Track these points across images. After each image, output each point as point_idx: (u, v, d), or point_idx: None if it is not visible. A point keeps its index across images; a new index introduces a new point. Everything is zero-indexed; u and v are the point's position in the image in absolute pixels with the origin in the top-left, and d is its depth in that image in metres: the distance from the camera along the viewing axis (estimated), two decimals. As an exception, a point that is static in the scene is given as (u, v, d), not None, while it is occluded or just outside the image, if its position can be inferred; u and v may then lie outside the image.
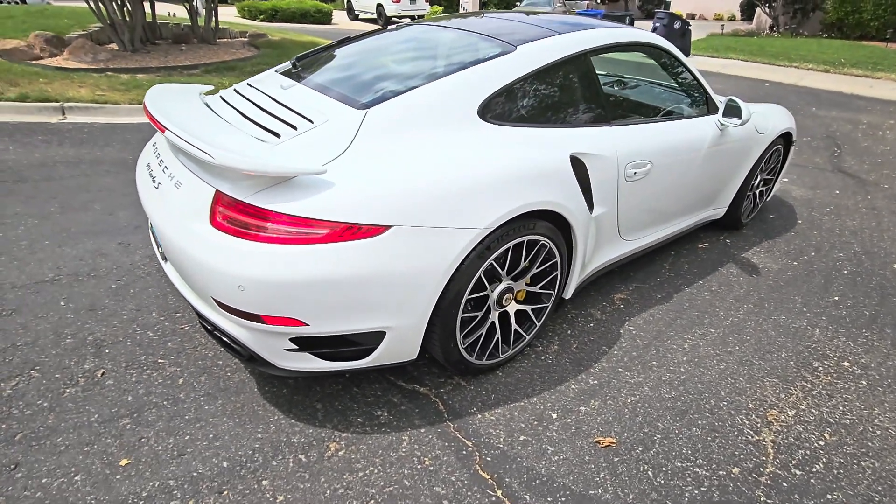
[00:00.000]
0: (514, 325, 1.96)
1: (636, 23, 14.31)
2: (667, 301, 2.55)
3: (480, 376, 1.97)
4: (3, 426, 1.62)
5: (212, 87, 2.13)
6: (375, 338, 1.55)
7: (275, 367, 1.55)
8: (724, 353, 2.19)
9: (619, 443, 1.72)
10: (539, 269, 1.93)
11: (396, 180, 1.48)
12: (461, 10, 17.04)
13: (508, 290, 1.85)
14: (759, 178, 3.22)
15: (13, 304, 2.18)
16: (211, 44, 8.07)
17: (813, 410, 1.92)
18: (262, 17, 16.50)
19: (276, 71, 2.16)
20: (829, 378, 2.09)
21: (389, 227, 1.43)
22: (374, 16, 17.58)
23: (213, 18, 8.25)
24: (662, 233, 2.64)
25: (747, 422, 1.84)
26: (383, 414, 1.77)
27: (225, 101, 1.86)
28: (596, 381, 1.99)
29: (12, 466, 1.49)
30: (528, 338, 2.03)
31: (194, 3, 7.91)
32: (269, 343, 1.49)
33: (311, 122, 1.62)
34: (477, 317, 1.80)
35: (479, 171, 1.59)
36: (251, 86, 1.96)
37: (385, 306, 1.49)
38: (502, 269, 1.77)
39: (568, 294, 2.13)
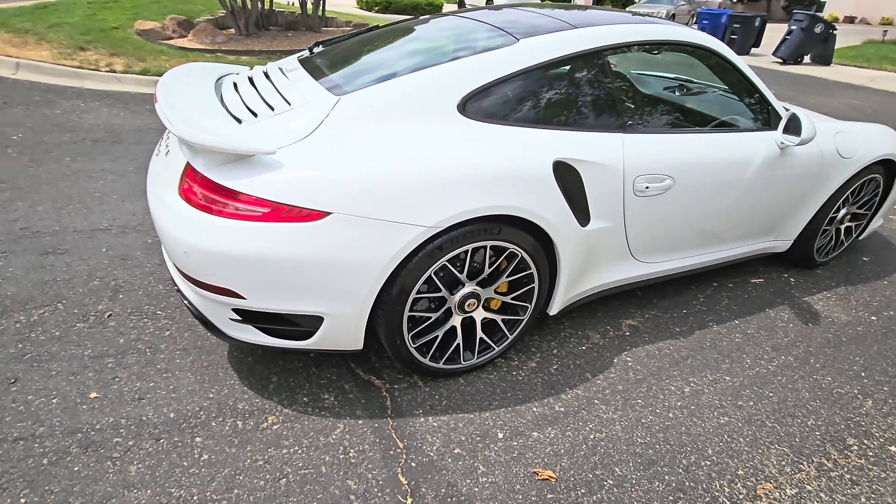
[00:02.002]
0: (479, 334, 1.86)
1: (768, 25, 12.74)
2: (684, 337, 2.26)
3: (441, 379, 1.91)
4: (20, 345, 1.90)
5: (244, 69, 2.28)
6: (314, 321, 1.57)
7: (223, 335, 1.64)
8: (731, 406, 1.89)
9: (560, 479, 1.56)
10: (510, 279, 1.81)
11: (347, 168, 1.47)
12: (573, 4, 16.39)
13: (473, 295, 1.76)
14: (844, 212, 2.71)
15: (68, 245, 2.54)
16: (315, 31, 8.64)
17: (823, 496, 1.59)
18: (377, 8, 17.31)
19: (297, 57, 2.25)
20: (862, 461, 1.71)
21: (329, 213, 1.43)
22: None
23: (321, 8, 8.81)
24: (694, 259, 2.34)
25: (728, 490, 1.58)
26: (329, 398, 1.79)
27: (234, 82, 1.98)
28: (562, 409, 1.83)
29: (12, 380, 1.75)
30: (497, 349, 1.93)
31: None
32: (215, 310, 1.58)
33: (289, 104, 1.66)
34: (432, 318, 1.74)
35: (438, 167, 1.52)
36: (264, 70, 2.06)
37: (321, 292, 1.50)
38: (461, 273, 1.69)
39: (552, 310, 1.98)
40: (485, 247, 1.66)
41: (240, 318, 1.57)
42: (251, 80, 1.91)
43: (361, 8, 17.90)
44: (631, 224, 1.99)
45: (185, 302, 1.67)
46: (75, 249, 2.51)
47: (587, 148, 1.78)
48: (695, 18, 15.33)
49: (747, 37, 11.81)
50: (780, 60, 11.00)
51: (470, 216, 1.54)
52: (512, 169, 1.61)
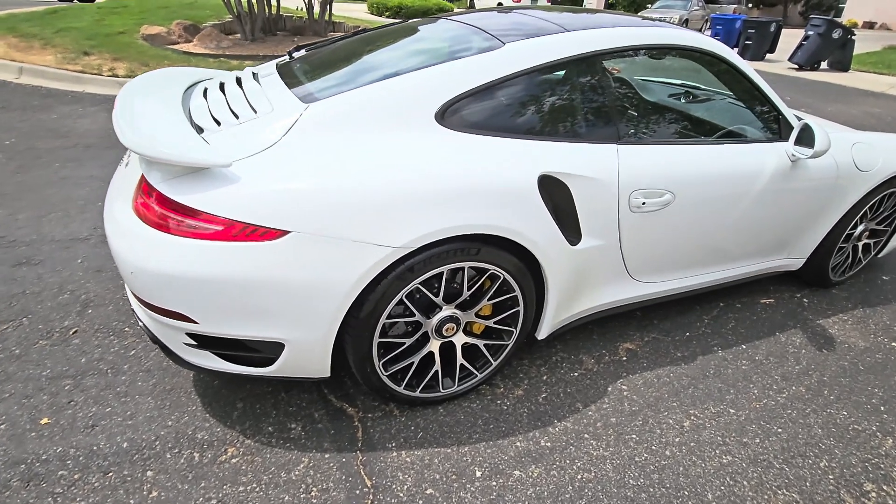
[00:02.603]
0: (459, 360, 1.72)
1: (785, 31, 12.48)
2: (686, 363, 2.10)
3: (419, 408, 1.77)
4: (-23, 364, 1.81)
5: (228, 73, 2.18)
6: (274, 348, 1.44)
7: (181, 360, 1.52)
8: (735, 443, 1.73)
9: (541, 527, 1.42)
10: (493, 302, 1.67)
11: (309, 182, 1.35)
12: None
13: (452, 319, 1.62)
14: (861, 228, 2.53)
15: (43, 256, 2.46)
16: (322, 36, 8.60)
17: (837, 550, 1.42)
18: (387, 13, 17.30)
19: (276, 62, 2.14)
20: (881, 510, 1.54)
21: (287, 232, 1.31)
22: (496, 15, 17.50)
23: (328, 12, 8.78)
24: (699, 279, 2.18)
25: (729, 542, 1.42)
26: (297, 428, 1.67)
27: (206, 88, 1.88)
28: (549, 444, 1.68)
29: (-38, 403, 1.65)
30: (479, 376, 1.79)
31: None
32: (169, 335, 1.46)
33: (255, 113, 1.55)
34: (406, 343, 1.61)
35: (409, 182, 1.39)
36: (238, 76, 1.95)
37: (280, 317, 1.38)
38: (436, 297, 1.55)
39: (541, 335, 1.84)
40: (462, 268, 1.53)
41: (195, 343, 1.45)
42: (222, 87, 1.80)
43: (372, 13, 17.92)
44: (627, 242, 1.84)
45: (140, 325, 1.55)
46: (50, 260, 2.43)
47: (577, 161, 1.64)
48: (708, 24, 15.09)
49: (762, 42, 11.55)
50: (797, 66, 10.72)
51: (443, 236, 1.41)
52: (491, 184, 1.47)
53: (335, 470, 1.53)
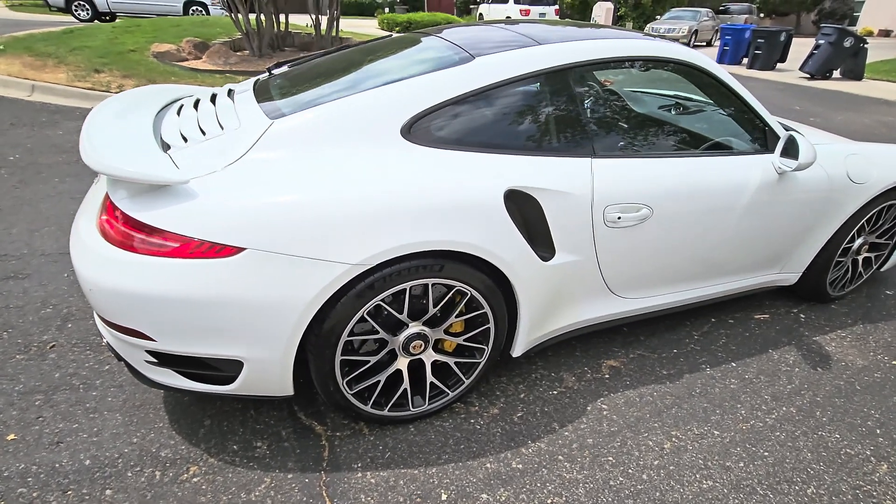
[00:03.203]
0: (429, 378, 1.68)
1: (798, 40, 12.35)
2: (671, 381, 2.03)
3: (389, 427, 1.73)
4: (-47, 379, 1.82)
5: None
6: (233, 366, 1.42)
7: (145, 378, 1.51)
8: (717, 467, 1.65)
9: (505, 554, 1.36)
10: (462, 319, 1.63)
11: (265, 199, 1.34)
12: (592, 22, 16.26)
13: (420, 336, 1.59)
14: (860, 242, 2.44)
15: (31, 270, 2.49)
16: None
17: (820, 585, 1.34)
18: (397, 28, 17.55)
19: (256, 78, 2.16)
20: (871, 542, 1.45)
21: (243, 249, 1.30)
22: (504, 28, 17.64)
23: (335, 28, 8.91)
24: (685, 294, 2.12)
25: (703, 574, 1.35)
26: (262, 447, 1.64)
27: (182, 105, 1.89)
28: (520, 466, 1.62)
29: (-67, 418, 1.66)
30: (451, 394, 1.74)
31: (317, 15, 8.61)
32: (130, 351, 1.45)
33: (222, 129, 1.55)
34: (371, 361, 1.57)
35: (367, 198, 1.37)
36: (214, 92, 1.97)
37: (238, 335, 1.36)
38: (401, 314, 1.52)
39: (515, 352, 1.79)
40: (425, 285, 1.50)
41: (156, 361, 1.44)
42: (196, 104, 1.81)
43: (382, 28, 18.20)
44: (605, 257, 1.79)
45: (104, 342, 1.55)
46: (37, 274, 2.45)
47: (548, 175, 1.61)
48: (718, 35, 14.99)
49: (772, 52, 11.44)
50: (808, 76, 10.59)
51: (402, 252, 1.38)
52: (454, 199, 1.44)
53: (297, 491, 1.50)
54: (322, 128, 1.50)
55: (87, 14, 14.44)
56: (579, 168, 1.67)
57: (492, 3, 18.46)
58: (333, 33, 8.95)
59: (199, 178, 1.37)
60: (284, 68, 2.19)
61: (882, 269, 2.71)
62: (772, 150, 2.01)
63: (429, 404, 1.72)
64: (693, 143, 2.05)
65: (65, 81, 5.99)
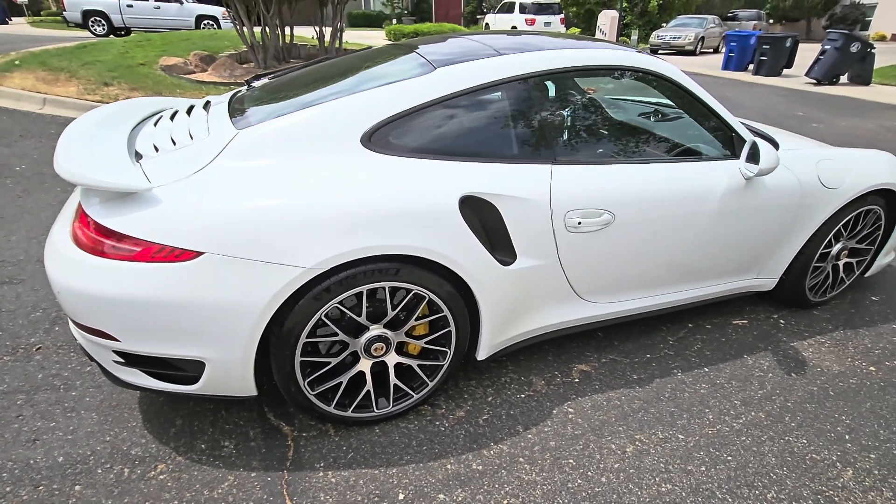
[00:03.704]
0: (392, 380, 1.72)
1: (808, 45, 12.26)
2: (641, 386, 2.04)
3: (355, 428, 1.77)
4: (-58, 379, 1.90)
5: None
6: (196, 366, 1.48)
7: (114, 378, 1.57)
8: (677, 471, 1.66)
9: (455, 553, 1.39)
10: (421, 322, 1.67)
11: (226, 205, 1.40)
12: (598, 33, 16.34)
13: (381, 339, 1.63)
14: (839, 247, 2.43)
15: (26, 275, 2.58)
16: (332, 62, 8.90)
17: (771, 588, 1.34)
18: (404, 39, 17.79)
19: (237, 90, 2.23)
20: (827, 547, 1.45)
21: (201, 253, 1.35)
22: (510, 38, 17.79)
23: (339, 40, 9.09)
24: (657, 299, 2.13)
25: (653, 576, 1.35)
26: (229, 446, 1.69)
27: (161, 117, 1.97)
28: (480, 467, 1.65)
29: (-80, 416, 1.74)
30: (415, 397, 1.78)
31: (321, 27, 8.80)
32: (99, 351, 1.52)
33: (192, 139, 1.62)
34: (332, 363, 1.62)
35: (322, 204, 1.43)
36: (191, 104, 2.04)
37: (198, 336, 1.41)
38: (359, 316, 1.57)
39: (480, 356, 1.82)
40: (381, 288, 1.54)
41: (123, 361, 1.50)
42: (173, 116, 1.89)
43: (390, 39, 18.45)
44: (568, 262, 1.82)
45: (78, 343, 1.62)
46: (31, 279, 2.55)
47: (505, 181, 1.65)
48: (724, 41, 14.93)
49: (778, 58, 11.37)
50: (814, 81, 10.49)
51: (356, 256, 1.43)
52: (408, 205, 1.49)
53: (258, 489, 1.54)
54: (286, 137, 1.56)
55: (103, 29, 14.91)
56: (538, 174, 1.71)
57: (498, 13, 18.63)
58: (337, 45, 9.12)
59: (164, 186, 1.43)
60: (264, 80, 2.27)
61: (866, 275, 2.69)
62: (739, 156, 2.03)
63: (393, 406, 1.76)
64: (658, 150, 2.07)
65: (75, 94, 6.19)
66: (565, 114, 1.89)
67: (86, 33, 14.78)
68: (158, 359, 1.47)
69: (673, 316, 2.49)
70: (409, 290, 1.58)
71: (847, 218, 2.31)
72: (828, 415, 1.92)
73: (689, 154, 2.07)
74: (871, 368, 2.18)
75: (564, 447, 1.74)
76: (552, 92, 1.96)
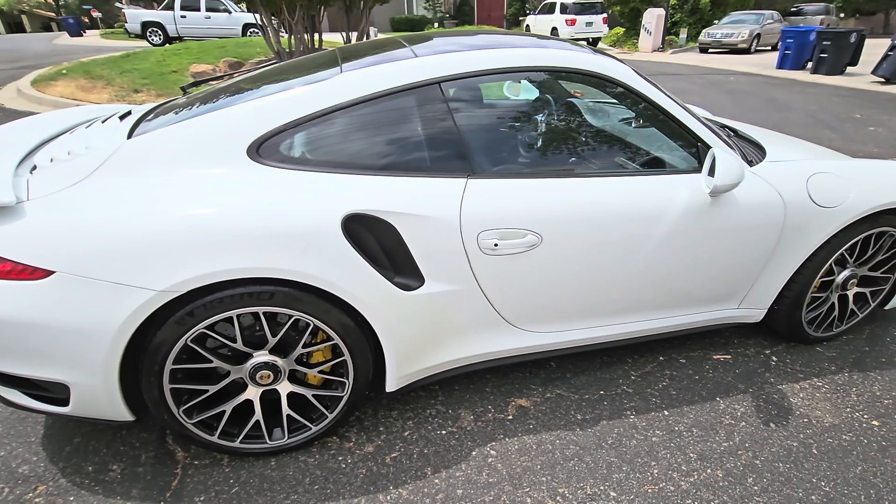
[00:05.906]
0: (285, 410, 1.59)
1: (875, 41, 11.16)
2: (583, 428, 1.79)
3: (250, 460, 1.65)
4: None
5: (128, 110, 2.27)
6: (62, 389, 1.40)
7: (1, 397, 1.53)
8: (596, 536, 1.42)
9: None
10: (311, 350, 1.53)
11: (82, 222, 1.31)
12: (643, 32, 15.56)
13: (268, 367, 1.50)
14: (846, 275, 2.07)
15: None
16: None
17: None
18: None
19: (170, 100, 2.18)
20: None
21: (52, 272, 1.28)
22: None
23: (365, 45, 9.15)
24: (611, 329, 1.88)
25: None
26: (116, 470, 1.61)
27: (77, 126, 1.93)
28: (370, 514, 1.48)
29: None
30: (314, 429, 1.63)
31: (348, 32, 8.88)
32: (-22, 369, 1.48)
33: (86, 149, 1.56)
34: (210, 391, 1.50)
35: (184, 222, 1.31)
36: (109, 114, 2.00)
37: (54, 358, 1.34)
38: (234, 342, 1.44)
39: (389, 387, 1.65)
40: (256, 313, 1.41)
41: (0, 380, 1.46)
42: (87, 124, 1.85)
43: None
44: (490, 288, 1.63)
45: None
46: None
47: (406, 197, 1.48)
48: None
49: (840, 55, 10.39)
50: (882, 80, 9.48)
51: (218, 279, 1.31)
52: (280, 223, 1.35)
53: (128, 521, 1.45)
54: (170, 149, 1.46)
55: (160, 39, 15.83)
56: (447, 190, 1.52)
57: (539, 14, 18.23)
58: (363, 50, 9.19)
59: (35, 200, 1.37)
60: (202, 87, 2.21)
61: (886, 308, 2.29)
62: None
63: (289, 438, 1.63)
64: (605, 162, 1.82)
65: (106, 101, 6.53)
66: (488, 122, 1.70)
67: (143, 43, 15.73)
68: (27, 379, 1.41)
69: (643, 346, 2.21)
70: (290, 316, 1.44)
71: (853, 241, 1.96)
72: (803, 478, 1.61)
73: (649, 166, 1.81)
74: (875, 423, 1.83)
75: (472, 497, 1.54)
76: (475, 98, 1.77)
